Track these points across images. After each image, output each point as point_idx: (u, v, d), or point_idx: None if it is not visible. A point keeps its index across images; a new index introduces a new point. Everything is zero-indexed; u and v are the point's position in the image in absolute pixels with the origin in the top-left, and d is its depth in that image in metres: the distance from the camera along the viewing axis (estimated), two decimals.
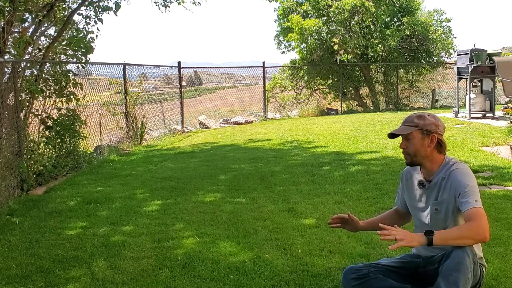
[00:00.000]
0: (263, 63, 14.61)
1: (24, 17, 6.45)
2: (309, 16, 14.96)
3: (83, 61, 6.99)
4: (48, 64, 6.89)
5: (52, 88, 6.77)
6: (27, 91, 6.32)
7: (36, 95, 6.48)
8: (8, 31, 6.12)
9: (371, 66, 15.83)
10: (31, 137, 6.49)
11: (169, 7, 9.80)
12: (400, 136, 2.57)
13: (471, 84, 10.64)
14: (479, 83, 10.86)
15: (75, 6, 7.33)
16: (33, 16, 6.55)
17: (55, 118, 6.73)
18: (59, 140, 6.74)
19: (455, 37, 17.07)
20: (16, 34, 6.49)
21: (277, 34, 15.97)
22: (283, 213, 4.40)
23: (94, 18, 7.32)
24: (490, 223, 2.41)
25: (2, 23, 6.05)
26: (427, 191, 2.58)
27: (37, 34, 6.82)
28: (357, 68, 15.71)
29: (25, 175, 5.72)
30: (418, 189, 2.63)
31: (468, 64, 10.47)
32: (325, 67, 15.35)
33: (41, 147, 6.53)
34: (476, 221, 2.29)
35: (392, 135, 2.56)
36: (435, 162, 2.55)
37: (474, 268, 2.33)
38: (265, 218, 4.28)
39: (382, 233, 2.22)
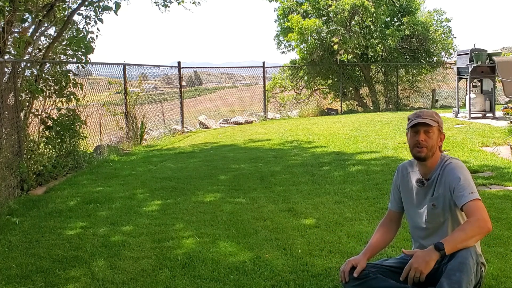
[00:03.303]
0: (263, 63, 14.61)
1: (24, 17, 6.45)
2: (309, 16, 14.96)
3: (83, 61, 6.99)
4: (48, 64, 6.89)
5: (52, 88, 6.77)
6: (27, 91, 6.32)
7: (36, 95, 6.47)
8: (8, 31, 6.12)
9: (371, 66, 15.83)
10: (31, 137, 6.49)
11: (169, 7, 9.80)
12: (411, 129, 2.56)
13: (471, 84, 10.64)
14: (479, 83, 10.86)
15: (75, 6, 7.33)
16: (33, 16, 6.55)
17: (55, 118, 6.73)
18: (59, 140, 6.74)
19: (455, 37, 17.10)
20: (16, 34, 6.49)
21: (277, 34, 15.97)
22: (283, 213, 4.40)
23: (94, 18, 7.32)
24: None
25: (2, 23, 6.05)
26: (425, 189, 2.60)
27: (37, 34, 6.82)
28: (357, 68, 15.71)
29: (25, 175, 5.71)
30: (415, 187, 2.64)
31: (468, 64, 10.47)
32: (325, 67, 15.35)
33: (41, 147, 6.53)
34: (477, 215, 2.31)
35: (422, 124, 2.51)
36: (435, 160, 2.58)
37: (477, 269, 2.33)
38: (265, 218, 4.28)
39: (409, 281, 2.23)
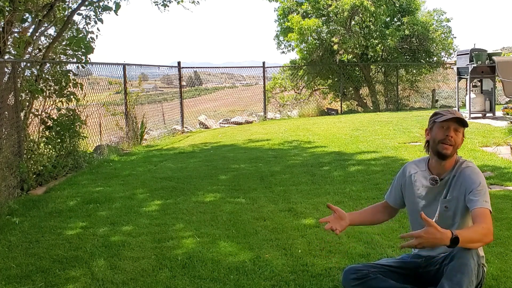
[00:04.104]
0: (263, 63, 14.61)
1: (24, 17, 6.45)
2: (309, 16, 14.96)
3: (83, 61, 6.99)
4: (48, 64, 6.89)
5: (52, 88, 6.77)
6: (27, 91, 6.32)
7: (36, 95, 6.47)
8: (8, 31, 6.12)
9: (371, 66, 15.84)
10: (31, 137, 6.49)
11: (168, 6, 9.80)
12: (439, 124, 2.51)
13: (471, 84, 10.65)
14: (479, 83, 10.86)
15: (75, 6, 7.33)
16: (33, 16, 6.55)
17: (55, 118, 6.73)
18: (59, 140, 6.74)
19: (455, 37, 17.08)
20: (16, 34, 6.49)
21: (277, 34, 15.98)
22: (283, 213, 4.40)
23: (94, 18, 7.32)
24: None
25: (2, 23, 6.05)
26: (437, 188, 2.55)
27: (37, 34, 6.82)
28: (357, 68, 15.72)
29: (25, 175, 5.71)
30: (426, 186, 2.59)
31: (468, 64, 10.47)
32: (325, 67, 15.35)
33: (41, 147, 6.53)
34: (486, 223, 2.29)
35: (454, 120, 2.47)
36: (452, 160, 2.55)
37: (478, 270, 2.33)
38: (265, 218, 4.28)
39: (409, 244, 2.18)
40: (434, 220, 2.55)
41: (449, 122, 2.48)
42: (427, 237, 2.15)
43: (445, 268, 2.28)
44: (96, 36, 7.20)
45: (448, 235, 2.18)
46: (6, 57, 6.18)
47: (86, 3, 7.24)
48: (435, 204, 2.56)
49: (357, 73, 15.85)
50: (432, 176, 2.56)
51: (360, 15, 14.28)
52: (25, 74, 6.43)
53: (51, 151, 6.63)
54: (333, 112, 14.63)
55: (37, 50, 6.91)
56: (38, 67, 6.62)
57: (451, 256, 2.29)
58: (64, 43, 7.06)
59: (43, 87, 6.61)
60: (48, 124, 6.66)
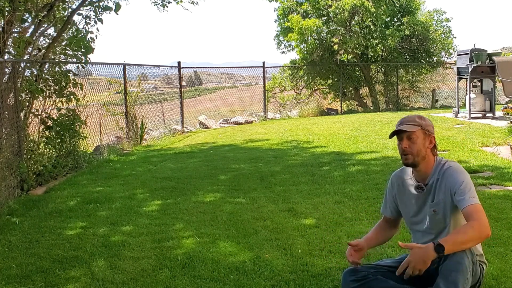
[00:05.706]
0: (263, 63, 14.61)
1: (24, 17, 6.45)
2: (309, 16, 14.96)
3: (83, 61, 6.99)
4: (48, 64, 6.89)
5: (52, 88, 6.77)
6: (27, 91, 6.32)
7: (36, 95, 6.48)
8: (8, 31, 6.12)
9: (371, 66, 15.84)
10: (31, 137, 6.49)
11: (167, 6, 9.81)
12: (396, 137, 2.54)
13: (471, 84, 10.65)
14: (479, 83, 10.86)
15: (75, 6, 7.34)
16: (33, 16, 6.55)
17: (55, 118, 6.73)
18: (59, 140, 6.74)
19: (455, 37, 17.07)
20: (16, 34, 6.49)
21: (277, 34, 15.98)
22: (283, 213, 4.40)
23: (94, 18, 7.33)
24: (490, 223, 2.41)
25: (2, 23, 6.05)
26: (425, 194, 2.56)
27: (37, 34, 6.82)
28: (357, 68, 15.72)
29: (25, 175, 5.71)
30: (413, 194, 2.60)
31: (468, 64, 10.47)
32: (325, 67, 15.35)
33: (41, 147, 6.53)
34: (478, 220, 2.29)
35: (397, 132, 2.51)
36: (429, 164, 2.54)
37: (473, 268, 2.33)
38: (265, 218, 4.28)
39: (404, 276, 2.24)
40: (425, 225, 2.58)
41: (400, 134, 2.51)
42: (414, 259, 2.21)
43: (440, 267, 2.28)
44: (96, 36, 7.22)
45: (430, 246, 2.22)
46: (6, 57, 6.18)
47: (86, 3, 7.24)
48: (425, 210, 2.58)
49: (357, 73, 15.84)
50: (417, 184, 2.58)
51: (360, 15, 14.27)
52: (25, 74, 6.43)
53: (51, 151, 6.63)
54: (333, 112, 14.63)
55: (37, 50, 6.91)
56: (38, 67, 6.62)
57: (446, 255, 2.29)
58: (64, 43, 7.06)
59: (43, 87, 6.61)
60: (48, 124, 6.66)
